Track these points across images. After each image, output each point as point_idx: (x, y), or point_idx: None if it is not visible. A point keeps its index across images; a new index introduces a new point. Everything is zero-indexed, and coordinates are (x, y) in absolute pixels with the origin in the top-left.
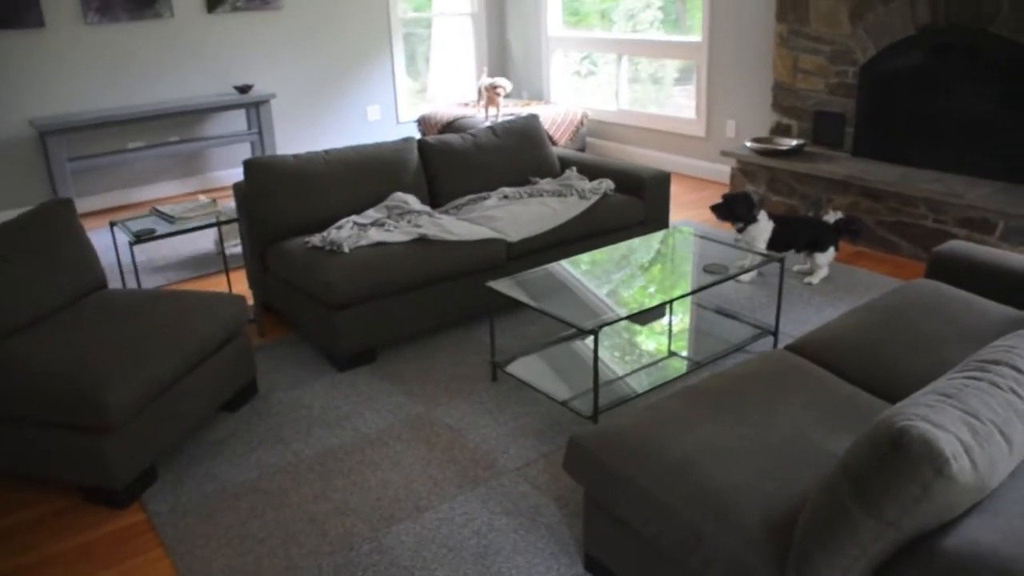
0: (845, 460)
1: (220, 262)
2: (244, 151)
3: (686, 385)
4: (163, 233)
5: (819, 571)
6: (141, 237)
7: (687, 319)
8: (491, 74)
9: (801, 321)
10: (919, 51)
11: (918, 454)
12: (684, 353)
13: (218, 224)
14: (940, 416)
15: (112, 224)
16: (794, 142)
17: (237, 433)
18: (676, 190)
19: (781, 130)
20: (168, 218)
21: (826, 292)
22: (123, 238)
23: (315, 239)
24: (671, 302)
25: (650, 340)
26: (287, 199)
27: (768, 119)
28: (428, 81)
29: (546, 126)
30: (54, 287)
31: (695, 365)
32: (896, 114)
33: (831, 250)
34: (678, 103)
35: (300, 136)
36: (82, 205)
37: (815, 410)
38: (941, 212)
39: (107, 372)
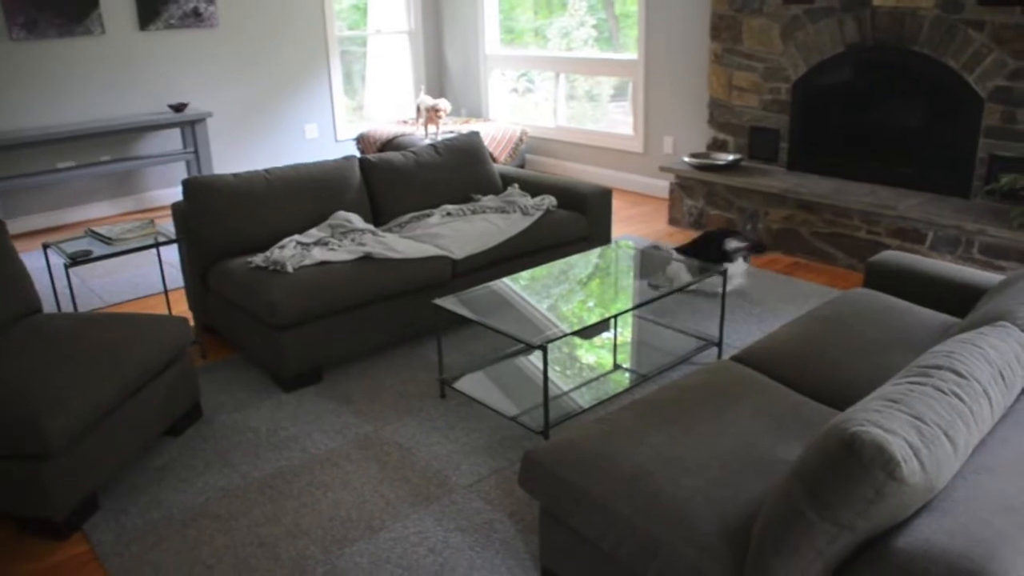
0: (798, 466)
1: (158, 283)
2: (180, 170)
3: (635, 398)
4: (100, 255)
5: (777, 574)
6: (77, 259)
7: (631, 332)
8: (429, 92)
9: (743, 332)
10: (848, 68)
11: (870, 458)
12: (629, 366)
13: (156, 245)
14: (889, 421)
15: (46, 246)
16: (731, 157)
17: (182, 458)
18: (617, 204)
19: (718, 145)
20: (105, 239)
21: (766, 303)
22: (57, 260)
23: (258, 259)
24: (616, 316)
25: (595, 354)
26: (228, 218)
27: (705, 135)
28: (365, 99)
29: (486, 143)
30: None
31: (640, 378)
32: (828, 129)
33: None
34: (615, 119)
35: (237, 155)
36: (12, 226)
37: (764, 418)
38: (874, 223)
39: (45, 397)
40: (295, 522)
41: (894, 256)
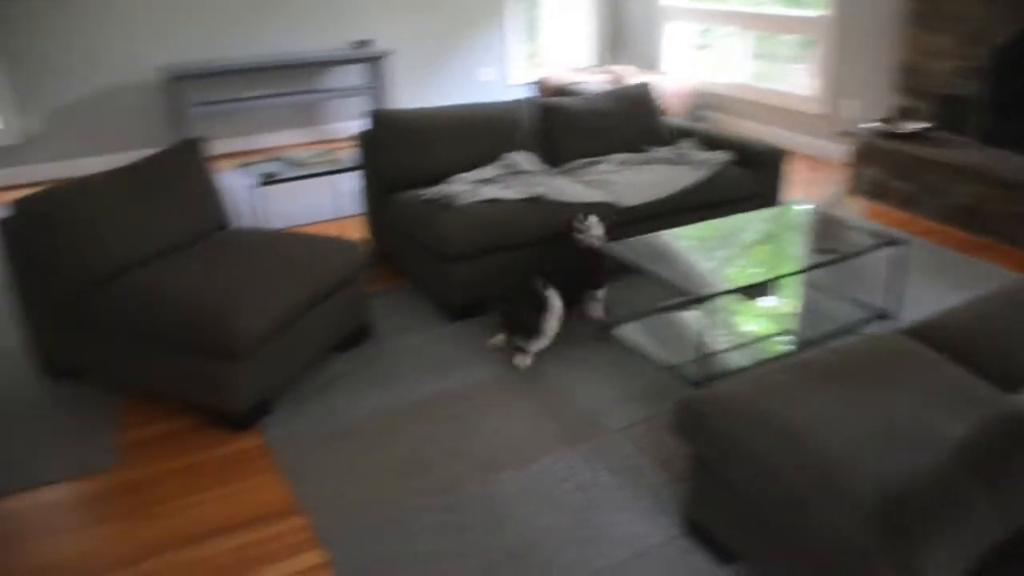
0: (965, 442)
1: (333, 210)
2: (360, 104)
3: (796, 359)
4: (288, 177)
5: (934, 550)
6: (268, 179)
7: (796, 297)
8: (606, 43)
9: (915, 307)
10: None
11: None
12: (792, 332)
13: (340, 171)
14: None
15: (238, 166)
16: (919, 125)
17: (349, 373)
18: (795, 168)
19: (905, 113)
20: (294, 163)
21: (944, 280)
22: (247, 181)
23: (432, 192)
24: (782, 278)
25: (756, 316)
26: (407, 151)
27: (891, 100)
28: (540, 46)
29: (661, 96)
30: (183, 222)
31: (802, 344)
32: None
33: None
34: (794, 81)
35: (414, 92)
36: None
37: (930, 394)
38: None
39: (238, 302)
40: (451, 444)
41: None
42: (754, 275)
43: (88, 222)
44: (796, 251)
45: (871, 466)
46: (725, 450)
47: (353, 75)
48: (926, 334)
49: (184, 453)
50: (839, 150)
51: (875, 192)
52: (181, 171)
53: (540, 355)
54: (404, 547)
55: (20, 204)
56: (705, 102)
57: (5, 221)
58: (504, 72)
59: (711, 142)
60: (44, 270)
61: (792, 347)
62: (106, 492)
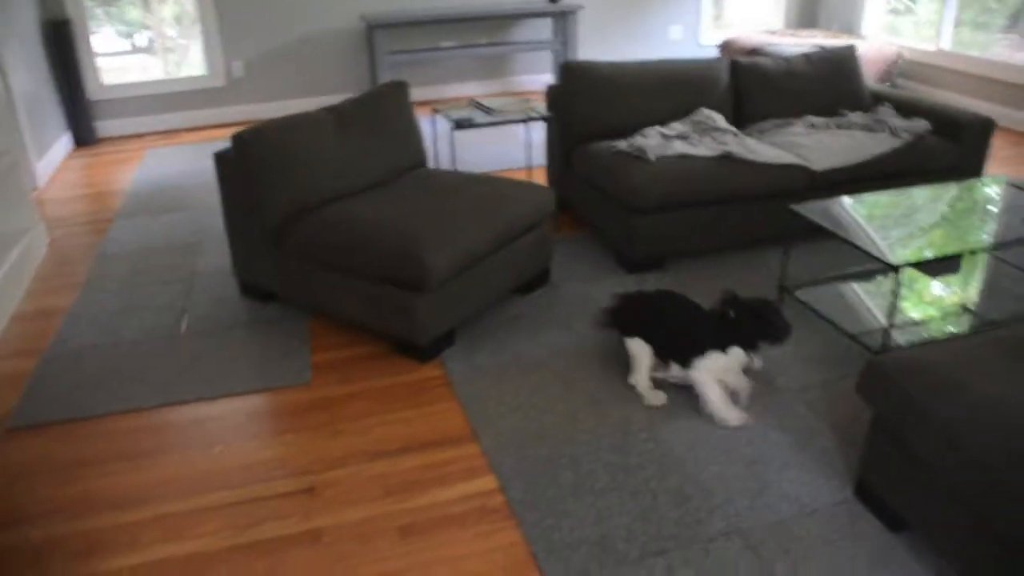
0: None
1: (520, 160)
2: (546, 58)
3: (992, 335)
4: (481, 122)
5: None
6: (461, 124)
7: (985, 274)
8: (799, 4)
9: None
10: None
11: None
12: (980, 309)
13: (531, 120)
14: None
15: (435, 110)
16: None
17: (529, 314)
18: (995, 143)
19: None
20: (486, 110)
21: None
22: (441, 126)
23: (622, 144)
24: (974, 252)
25: (944, 291)
26: (598, 103)
27: None
28: (726, 7)
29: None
30: (387, 159)
31: (988, 324)
32: None
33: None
34: (1001, 51)
35: (601, 48)
36: None
37: None
38: None
39: (429, 237)
40: (624, 389)
41: None
42: (943, 248)
43: (293, 157)
44: (989, 227)
45: None
46: (913, 415)
47: (542, 29)
48: None
49: (370, 377)
50: None
51: None
52: (386, 111)
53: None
54: (573, 481)
55: (235, 139)
56: (903, 69)
57: (219, 154)
58: (695, 31)
59: (911, 109)
60: (250, 200)
61: (975, 326)
62: (298, 406)
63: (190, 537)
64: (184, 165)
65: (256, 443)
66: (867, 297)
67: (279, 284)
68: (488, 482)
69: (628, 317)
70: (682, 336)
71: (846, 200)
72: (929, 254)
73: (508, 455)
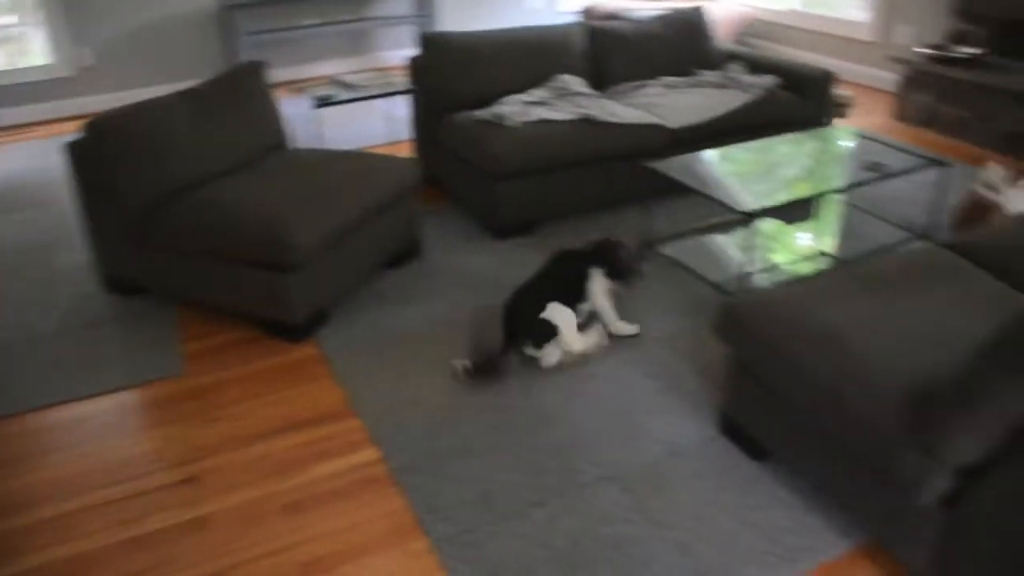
0: (994, 330)
1: (383, 136)
2: (408, 32)
3: (840, 269)
4: (343, 99)
5: (955, 432)
6: (323, 102)
7: (839, 218)
8: None
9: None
10: None
11: None
12: (833, 251)
13: (393, 94)
14: None
15: (294, 91)
16: (973, 51)
17: (400, 287)
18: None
19: (959, 38)
20: (348, 86)
21: None
22: (301, 106)
23: (483, 113)
24: (823, 195)
25: (799, 237)
26: (458, 74)
27: (945, 25)
28: None
29: (713, 21)
30: (246, 141)
31: (842, 264)
32: None
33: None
34: (847, 9)
35: (462, 20)
36: None
37: (967, 303)
38: None
39: (294, 216)
40: None
41: None
42: (794, 193)
43: (151, 142)
44: (839, 172)
45: (903, 364)
46: (765, 350)
47: (404, 3)
48: (967, 250)
49: (245, 362)
50: (890, 78)
51: (924, 119)
52: (243, 92)
53: None
54: (453, 444)
55: (89, 126)
56: (754, 29)
57: (72, 144)
58: None
59: (759, 66)
60: (109, 190)
61: (830, 267)
62: (172, 398)
63: (74, 538)
64: (31, 162)
65: (133, 438)
66: (725, 249)
67: (144, 275)
68: (370, 454)
69: (522, 320)
70: (564, 288)
71: (701, 154)
72: (778, 200)
73: (388, 425)
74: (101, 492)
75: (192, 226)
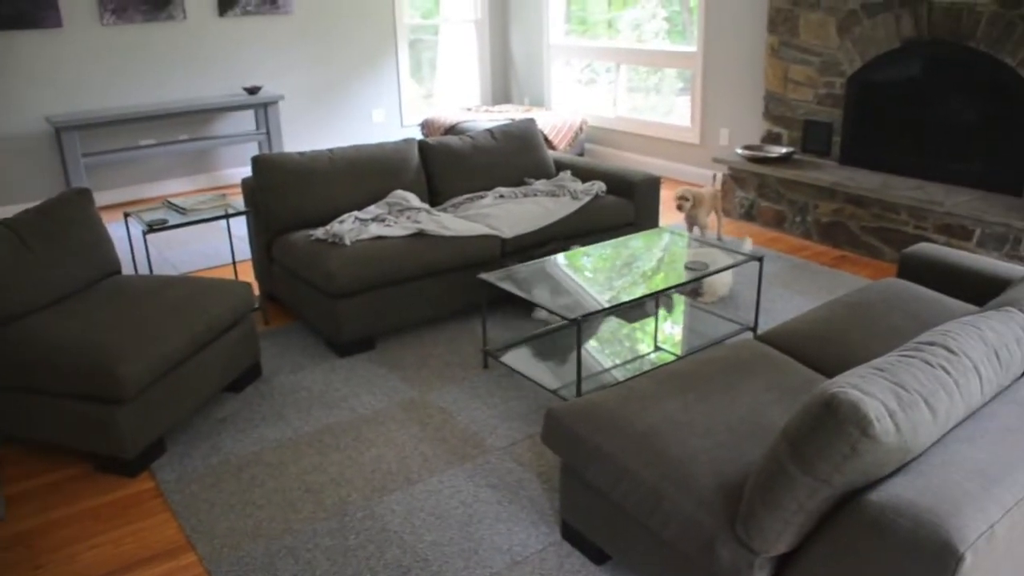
0: (786, 425)
1: (227, 255)
2: (252, 150)
3: (661, 370)
4: (175, 223)
5: (763, 524)
6: (154, 227)
7: (673, 315)
8: (494, 81)
9: (782, 318)
10: (904, 63)
11: (845, 416)
12: (669, 347)
13: (227, 216)
14: (869, 385)
15: (126, 215)
16: (784, 150)
17: (241, 411)
18: (668, 195)
19: (772, 138)
20: (180, 210)
21: (809, 293)
22: (137, 229)
23: (318, 232)
24: (652, 295)
25: (637, 335)
26: (293, 194)
27: (760, 128)
28: (434, 86)
29: (546, 131)
30: (72, 270)
31: (679, 359)
32: (881, 123)
33: None
34: (683, 113)
35: (306, 136)
36: (96, 199)
37: (775, 392)
38: (921, 219)
39: (121, 347)
40: (339, 472)
41: (929, 248)
42: (627, 293)
43: None
44: (668, 270)
45: (715, 458)
46: (588, 455)
47: (245, 121)
48: (775, 340)
49: (74, 501)
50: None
51: (747, 213)
52: (70, 220)
53: (424, 383)
54: (293, 573)
55: None
56: (590, 136)
57: None
58: (398, 114)
59: (589, 173)
60: None
61: (667, 362)
62: None
63: None
64: None
65: None
66: (566, 352)
67: None
68: None
69: None
70: None
71: (535, 263)
72: (607, 303)
73: (225, 559)
74: None
75: (11, 361)
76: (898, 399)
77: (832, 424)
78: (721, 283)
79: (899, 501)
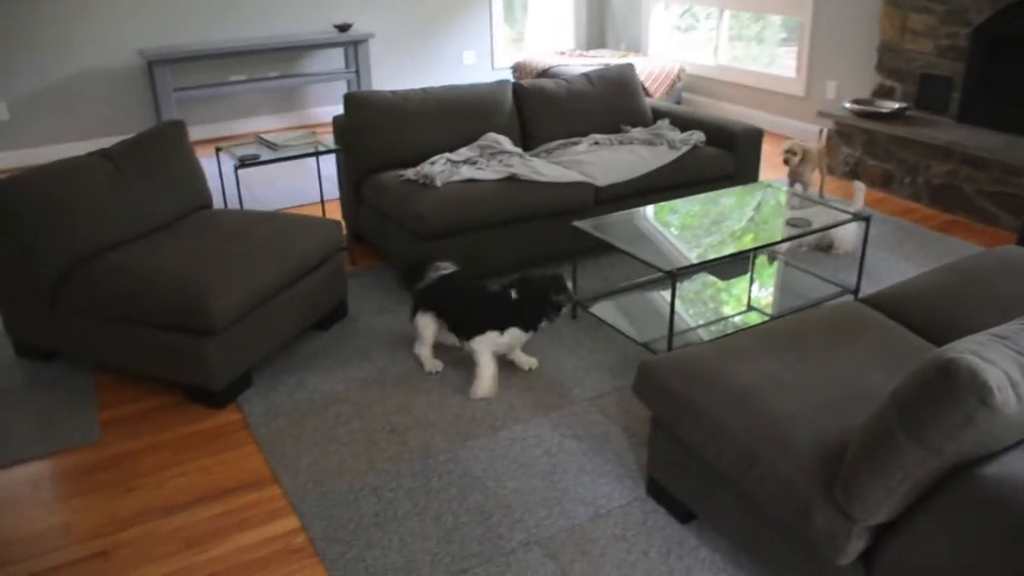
0: (895, 389)
1: (315, 194)
2: (341, 89)
3: (759, 328)
4: (266, 159)
5: (865, 491)
6: (246, 161)
7: (769, 275)
8: (589, 26)
9: (885, 282)
10: None
11: (963, 383)
12: (763, 307)
13: (317, 154)
14: (991, 352)
15: (218, 149)
16: (897, 105)
17: (327, 349)
18: (769, 149)
19: (884, 92)
20: (272, 146)
21: (915, 259)
22: (228, 164)
23: (409, 173)
24: (750, 252)
25: (730, 294)
26: (384, 133)
27: (871, 81)
28: (526, 29)
29: (642, 78)
30: (166, 202)
31: (772, 320)
32: (1008, 80)
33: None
34: (784, 64)
35: (396, 76)
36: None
37: (879, 356)
38: None
39: (214, 280)
40: (424, 415)
41: None
42: (723, 250)
43: (65, 204)
44: (767, 226)
45: (815, 421)
46: (682, 412)
47: (335, 59)
48: (881, 303)
49: (164, 429)
50: (820, 132)
51: (852, 171)
52: (163, 152)
53: None
54: (375, 511)
55: None
56: (688, 84)
57: None
58: (489, 56)
59: (688, 122)
60: (20, 255)
61: (760, 323)
62: (89, 467)
63: None
64: None
65: (39, 512)
66: (655, 306)
67: (58, 340)
68: (290, 522)
69: (425, 292)
70: (468, 314)
71: (630, 212)
72: (705, 258)
73: (309, 493)
74: (9, 568)
75: (108, 291)
76: (1021, 369)
77: (948, 391)
78: (849, 238)
79: (1017, 477)
